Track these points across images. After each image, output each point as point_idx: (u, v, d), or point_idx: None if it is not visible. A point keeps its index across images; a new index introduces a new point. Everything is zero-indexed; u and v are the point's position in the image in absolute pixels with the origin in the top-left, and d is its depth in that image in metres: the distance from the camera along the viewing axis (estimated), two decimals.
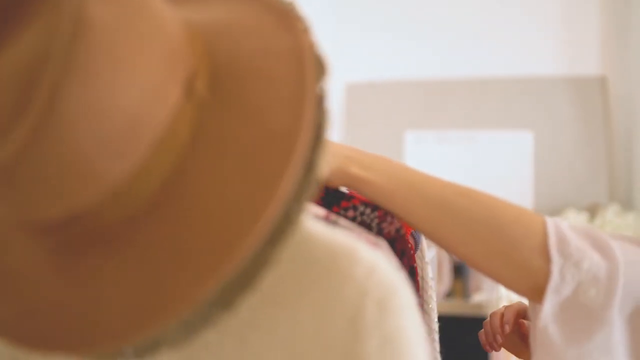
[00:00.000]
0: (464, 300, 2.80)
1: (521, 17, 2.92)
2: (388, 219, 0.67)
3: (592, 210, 2.64)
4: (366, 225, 0.67)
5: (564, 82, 2.85)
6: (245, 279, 0.41)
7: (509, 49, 2.93)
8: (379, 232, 0.67)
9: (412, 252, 0.68)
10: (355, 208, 0.68)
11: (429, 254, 2.80)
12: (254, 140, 0.41)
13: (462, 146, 2.94)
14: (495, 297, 2.70)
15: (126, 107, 0.40)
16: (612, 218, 2.53)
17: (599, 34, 2.82)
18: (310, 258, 0.46)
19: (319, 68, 0.44)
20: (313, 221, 0.49)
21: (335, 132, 3.05)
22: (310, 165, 0.42)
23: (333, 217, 0.56)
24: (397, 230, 0.67)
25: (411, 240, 0.67)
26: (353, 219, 0.67)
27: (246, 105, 0.43)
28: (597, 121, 2.79)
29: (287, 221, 0.41)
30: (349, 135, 3.07)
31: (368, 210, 0.68)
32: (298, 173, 0.40)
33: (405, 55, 3.03)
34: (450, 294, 2.77)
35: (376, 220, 0.67)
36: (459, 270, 2.68)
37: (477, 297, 2.80)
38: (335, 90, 3.06)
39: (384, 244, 0.57)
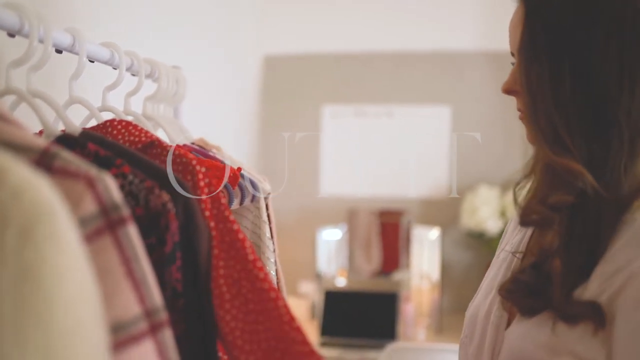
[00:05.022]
0: (386, 277, 2.83)
1: None
2: (156, 191, 0.60)
3: (505, 186, 2.63)
4: (133, 196, 0.60)
5: (482, 57, 2.82)
6: None
7: (427, 23, 2.88)
8: (146, 204, 0.60)
9: (176, 228, 0.61)
10: (124, 176, 0.61)
11: (336, 235, 2.71)
12: None
13: (379, 120, 2.90)
14: (407, 277, 2.70)
15: None
16: (524, 194, 2.52)
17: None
18: None
19: None
20: None
21: (253, 105, 2.97)
22: None
23: (54, 149, 0.50)
24: (163, 205, 0.60)
25: (174, 218, 0.60)
26: (121, 188, 0.60)
27: None
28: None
29: None
30: (266, 109, 2.99)
31: (137, 181, 0.61)
32: None
33: (324, 28, 2.96)
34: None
35: (144, 192, 0.60)
36: None
37: (396, 276, 2.81)
38: (253, 63, 2.97)
39: (107, 180, 0.49)
